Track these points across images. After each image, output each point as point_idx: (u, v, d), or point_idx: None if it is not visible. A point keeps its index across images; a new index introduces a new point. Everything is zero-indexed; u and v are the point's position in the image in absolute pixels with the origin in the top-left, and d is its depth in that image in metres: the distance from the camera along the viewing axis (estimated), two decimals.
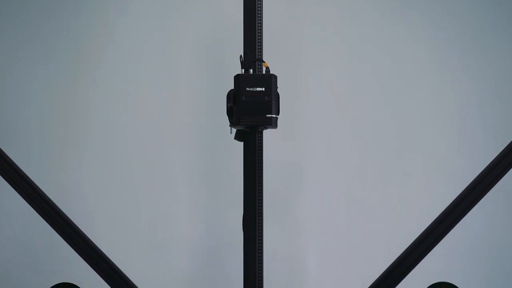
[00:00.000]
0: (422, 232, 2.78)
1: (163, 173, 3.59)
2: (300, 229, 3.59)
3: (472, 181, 2.75)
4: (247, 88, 2.64)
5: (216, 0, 3.61)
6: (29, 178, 2.77)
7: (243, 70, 2.75)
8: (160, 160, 3.60)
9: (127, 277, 2.82)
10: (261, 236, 2.85)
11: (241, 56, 2.79)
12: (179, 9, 3.62)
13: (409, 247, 2.78)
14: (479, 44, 3.64)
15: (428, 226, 2.77)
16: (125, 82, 3.59)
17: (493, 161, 2.74)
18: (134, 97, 3.59)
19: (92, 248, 2.77)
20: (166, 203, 3.58)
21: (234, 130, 2.78)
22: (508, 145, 2.73)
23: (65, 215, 2.79)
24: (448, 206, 2.76)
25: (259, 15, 2.85)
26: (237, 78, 2.68)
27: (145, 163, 3.59)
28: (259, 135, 2.84)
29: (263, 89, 2.64)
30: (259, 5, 2.85)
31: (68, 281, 2.71)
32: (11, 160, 2.78)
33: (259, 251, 2.84)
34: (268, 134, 2.96)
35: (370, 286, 2.81)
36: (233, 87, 2.71)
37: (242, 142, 2.82)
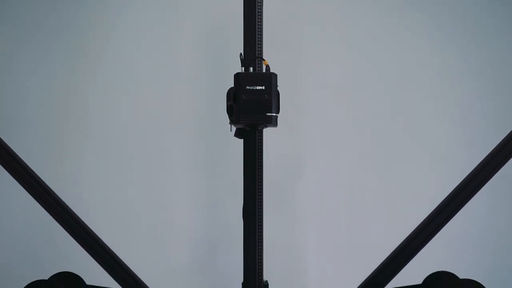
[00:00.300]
0: (422, 221, 2.78)
1: (163, 164, 3.60)
2: (300, 219, 3.60)
3: (472, 170, 2.75)
4: (247, 87, 2.62)
5: None
6: (30, 168, 2.78)
7: (243, 68, 2.74)
8: (160, 151, 3.61)
9: (127, 267, 2.83)
10: (261, 226, 2.86)
11: (241, 54, 2.78)
12: (179, 6, 3.63)
13: (409, 236, 2.79)
14: (480, 36, 3.66)
15: (428, 215, 2.78)
16: (125, 78, 3.60)
17: (493, 150, 2.74)
18: (134, 91, 3.60)
19: (92, 238, 2.78)
20: (166, 194, 3.59)
21: (234, 128, 2.77)
22: (509, 134, 2.74)
23: (66, 205, 2.80)
24: (448, 195, 2.77)
25: (259, 13, 2.85)
26: (237, 76, 2.67)
27: (144, 155, 3.60)
28: (259, 133, 2.84)
29: (263, 87, 2.62)
30: (259, 3, 2.85)
31: (69, 271, 2.71)
32: (12, 151, 2.79)
33: (259, 241, 2.85)
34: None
35: (370, 275, 2.82)
36: (232, 85, 2.70)
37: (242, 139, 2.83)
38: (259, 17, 2.85)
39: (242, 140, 2.82)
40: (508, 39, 3.65)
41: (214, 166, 3.60)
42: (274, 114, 2.64)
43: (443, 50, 3.65)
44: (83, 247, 2.79)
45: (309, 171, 3.63)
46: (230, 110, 2.68)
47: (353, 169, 3.62)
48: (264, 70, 2.71)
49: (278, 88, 2.69)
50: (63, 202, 2.80)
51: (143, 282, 2.84)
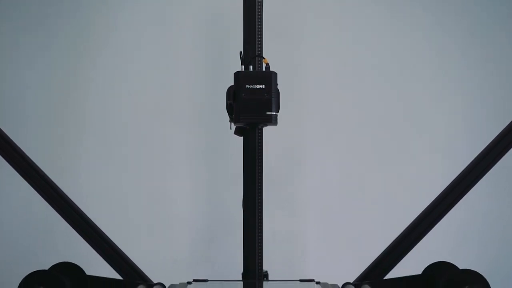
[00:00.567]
0: (422, 212, 2.79)
1: (162, 155, 3.60)
2: (300, 210, 3.60)
3: (472, 161, 2.75)
4: (247, 86, 2.62)
5: None
6: (29, 158, 2.78)
7: (242, 66, 2.74)
8: (160, 142, 3.61)
9: (128, 257, 2.83)
10: (261, 217, 2.86)
11: (241, 52, 2.78)
12: (179, 4, 3.62)
13: (408, 226, 2.79)
14: (480, 28, 3.65)
15: (428, 206, 2.78)
16: (125, 72, 3.62)
17: (493, 140, 2.74)
18: (134, 86, 3.62)
19: (92, 228, 2.79)
20: (166, 183, 3.59)
21: (233, 126, 2.77)
22: (510, 124, 2.73)
23: (66, 195, 2.80)
24: (448, 186, 2.77)
25: (259, 11, 2.85)
26: (237, 75, 2.67)
27: (144, 146, 3.60)
28: (259, 131, 2.84)
29: (263, 86, 2.62)
30: (259, 1, 2.84)
31: (68, 260, 2.71)
32: (13, 142, 2.79)
33: (259, 232, 2.85)
34: None
35: (370, 265, 2.83)
36: (232, 81, 2.70)
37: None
38: (259, 15, 2.85)
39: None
40: (509, 29, 3.64)
41: (214, 157, 3.61)
42: (274, 113, 2.64)
43: (443, 42, 3.65)
44: (83, 237, 2.79)
45: (309, 162, 3.63)
46: (230, 109, 2.67)
47: (353, 160, 3.62)
48: (264, 69, 2.71)
49: (278, 87, 2.68)
50: (63, 192, 2.80)
51: (143, 273, 2.85)
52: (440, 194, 2.78)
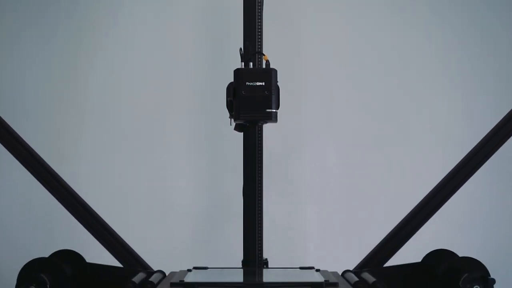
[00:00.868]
0: (422, 199, 2.79)
1: (162, 142, 3.60)
2: (300, 196, 3.61)
3: (473, 148, 2.75)
4: (247, 83, 2.61)
5: None
6: (29, 146, 2.78)
7: (243, 63, 2.73)
8: (160, 128, 3.61)
9: (127, 244, 2.84)
10: (261, 204, 2.86)
11: (240, 49, 2.77)
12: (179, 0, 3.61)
13: (409, 214, 2.80)
14: (480, 15, 3.65)
15: (428, 193, 2.79)
16: (126, 60, 3.62)
17: (494, 127, 2.74)
18: (134, 75, 3.62)
19: (92, 216, 2.79)
20: (166, 170, 3.59)
21: (233, 122, 2.76)
22: (510, 111, 2.73)
23: (66, 183, 2.81)
24: (449, 173, 2.77)
25: (259, 7, 2.84)
26: (236, 72, 2.66)
27: (144, 133, 3.60)
28: (259, 128, 2.85)
29: (263, 83, 2.61)
30: None
31: (68, 248, 2.72)
32: (12, 129, 2.78)
33: (259, 220, 2.86)
34: None
35: (370, 253, 2.83)
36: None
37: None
38: (259, 11, 2.85)
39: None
40: (509, 15, 3.63)
41: (214, 144, 3.60)
42: (274, 110, 2.63)
43: (444, 29, 3.64)
44: (83, 225, 2.80)
45: (309, 149, 3.63)
46: (230, 106, 2.67)
47: (353, 146, 3.62)
48: (264, 65, 2.70)
49: (279, 79, 2.68)
50: (63, 180, 2.81)
51: (143, 260, 2.85)
52: (440, 182, 2.78)
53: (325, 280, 2.32)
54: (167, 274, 2.64)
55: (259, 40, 2.85)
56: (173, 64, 3.62)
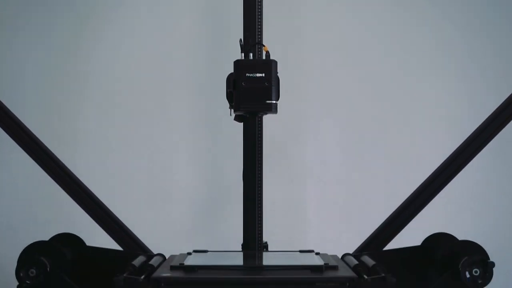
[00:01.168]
0: (422, 183, 2.79)
1: (163, 126, 3.60)
2: (300, 180, 3.61)
3: (473, 132, 2.74)
4: (247, 74, 2.62)
5: None
6: (29, 130, 2.77)
7: (242, 54, 2.72)
8: (160, 112, 3.61)
9: (128, 228, 2.84)
10: (261, 187, 2.87)
11: (240, 40, 2.77)
12: None
13: (408, 197, 2.80)
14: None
15: (428, 177, 2.79)
16: (127, 44, 3.62)
17: (494, 111, 2.74)
18: (135, 59, 3.62)
19: (93, 199, 2.79)
20: (166, 154, 3.60)
21: (233, 113, 2.76)
22: (510, 95, 2.72)
23: (66, 167, 2.81)
24: (449, 157, 2.77)
25: None
26: (236, 63, 2.66)
27: (145, 117, 3.60)
28: (259, 119, 2.85)
29: (263, 75, 2.61)
30: None
31: (68, 231, 2.72)
32: (12, 113, 2.78)
33: (259, 203, 2.86)
34: None
35: (370, 236, 2.84)
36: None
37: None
38: (259, 2, 2.84)
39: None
40: None
41: (214, 127, 3.60)
42: (274, 102, 2.63)
43: (444, 13, 3.63)
44: (83, 208, 2.80)
45: (309, 132, 3.62)
46: (230, 97, 2.67)
47: (353, 130, 3.62)
48: (264, 57, 2.69)
49: (279, 75, 2.67)
50: (63, 164, 2.80)
51: (143, 243, 2.86)
52: (440, 165, 2.78)
53: (324, 263, 2.33)
54: (167, 258, 2.65)
55: (259, 31, 2.85)
56: (172, 54, 3.62)
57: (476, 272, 2.39)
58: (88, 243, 2.73)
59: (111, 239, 2.83)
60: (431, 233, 2.75)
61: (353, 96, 3.62)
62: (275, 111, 2.66)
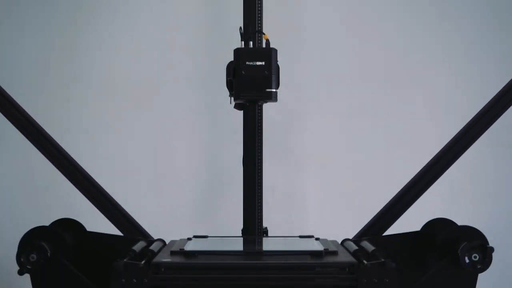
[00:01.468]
0: (422, 168, 2.79)
1: (163, 110, 3.60)
2: (300, 165, 3.62)
3: (474, 116, 2.74)
4: (247, 62, 2.61)
5: None
6: (29, 115, 2.77)
7: (242, 42, 2.71)
8: (161, 97, 3.60)
9: (128, 213, 2.84)
10: (261, 172, 2.87)
11: (240, 28, 2.76)
12: None
13: (408, 183, 2.79)
14: None
15: (428, 162, 2.78)
16: (127, 33, 3.61)
17: (494, 97, 2.73)
18: (135, 49, 3.62)
19: (92, 185, 2.79)
20: (166, 139, 3.60)
21: (233, 101, 2.76)
22: (510, 81, 2.71)
23: (66, 152, 2.80)
24: (448, 142, 2.76)
25: None
26: (236, 52, 2.65)
27: (145, 100, 3.60)
28: (259, 107, 2.84)
29: (263, 63, 2.61)
30: None
31: (68, 217, 2.72)
32: (12, 98, 2.77)
33: (259, 189, 2.87)
34: None
35: (369, 221, 2.84)
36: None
37: None
38: None
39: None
40: None
41: (214, 112, 3.60)
42: (274, 90, 2.63)
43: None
44: (83, 193, 2.80)
45: (309, 118, 3.62)
46: (230, 85, 2.66)
47: (353, 116, 3.62)
48: (264, 45, 2.68)
49: (279, 62, 2.67)
50: (63, 149, 2.80)
51: (143, 229, 2.86)
52: (440, 151, 2.78)
53: (324, 249, 2.34)
54: (167, 243, 2.65)
55: (259, 19, 2.84)
56: (172, 42, 3.61)
57: (475, 257, 2.39)
58: (89, 228, 2.73)
59: (111, 224, 2.83)
60: (431, 219, 2.75)
61: (354, 83, 3.61)
62: (275, 100, 2.66)
